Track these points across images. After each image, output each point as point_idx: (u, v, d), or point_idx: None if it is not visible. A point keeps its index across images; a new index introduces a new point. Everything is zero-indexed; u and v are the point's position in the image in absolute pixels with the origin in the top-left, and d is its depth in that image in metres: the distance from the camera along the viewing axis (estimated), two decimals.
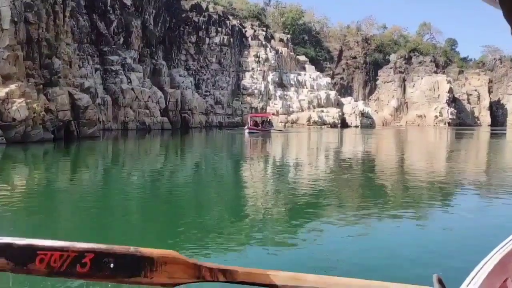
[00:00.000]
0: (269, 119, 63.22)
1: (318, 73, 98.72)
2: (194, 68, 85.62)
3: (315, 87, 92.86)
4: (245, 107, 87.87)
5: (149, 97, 62.41)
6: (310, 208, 9.92)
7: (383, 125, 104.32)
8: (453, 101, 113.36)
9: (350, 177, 15.09)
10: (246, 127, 53.55)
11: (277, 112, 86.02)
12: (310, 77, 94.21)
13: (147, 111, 61.48)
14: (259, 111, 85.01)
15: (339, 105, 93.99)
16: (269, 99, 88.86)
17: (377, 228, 8.87)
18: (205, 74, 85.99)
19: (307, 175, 15.47)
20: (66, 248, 1.47)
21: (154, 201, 9.75)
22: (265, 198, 10.59)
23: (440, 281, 1.70)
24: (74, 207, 9.66)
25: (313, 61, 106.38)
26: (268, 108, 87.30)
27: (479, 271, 2.12)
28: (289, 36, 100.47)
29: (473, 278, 2.08)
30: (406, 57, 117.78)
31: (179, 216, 8.97)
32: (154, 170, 16.21)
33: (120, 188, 12.13)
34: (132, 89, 59.72)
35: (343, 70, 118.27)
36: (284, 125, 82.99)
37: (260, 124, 57.59)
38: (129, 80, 60.97)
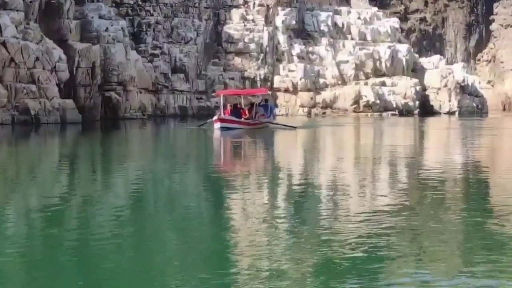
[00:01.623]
0: (265, 100, 41.02)
1: (376, 9, 76.75)
2: (129, 1, 61.17)
3: (369, 37, 71.07)
4: (231, 78, 63.03)
5: (37, 59, 41.33)
6: None
7: (504, 109, 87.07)
8: None
9: None
10: (215, 116, 35.71)
11: (295, 86, 63.92)
12: (359, 18, 72.43)
13: (33, 87, 41.02)
14: (258, 84, 62.55)
15: (417, 71, 72.40)
16: (278, 61, 66.30)
17: None
18: (151, 14, 61.29)
19: None
20: None
21: None
22: None
23: None
24: None
25: None
26: (277, 79, 64.68)
27: None
28: None
29: None
30: None
31: None
32: None
33: None
34: (3, 43, 39.74)
35: (425, 3, 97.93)
36: (309, 112, 63.60)
37: (246, 111, 37.23)
38: None
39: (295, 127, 36.70)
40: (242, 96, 40.91)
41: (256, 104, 36.70)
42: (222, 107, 36.63)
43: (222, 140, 28.58)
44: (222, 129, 32.34)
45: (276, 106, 51.61)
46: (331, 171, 15.71)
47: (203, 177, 14.74)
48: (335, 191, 11.85)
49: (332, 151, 23.36)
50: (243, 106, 37.46)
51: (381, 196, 11.33)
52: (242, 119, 34.92)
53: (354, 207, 10.07)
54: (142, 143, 28.74)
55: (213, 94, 51.46)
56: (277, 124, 37.10)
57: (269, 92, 42.85)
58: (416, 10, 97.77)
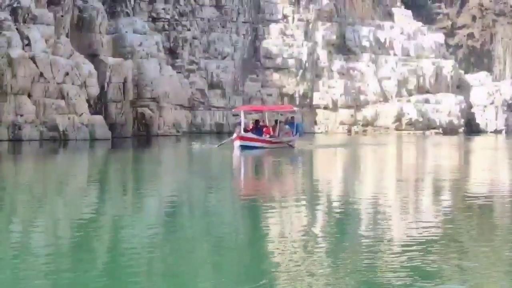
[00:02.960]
0: (291, 118, 39.53)
1: (420, 24, 76.47)
2: (166, 16, 60.20)
3: (412, 53, 71.35)
4: (269, 94, 63.09)
5: (67, 74, 40.77)
6: None
7: None
8: None
9: None
10: (235, 133, 33.70)
11: (335, 103, 65.11)
12: (402, 33, 72.71)
13: (62, 102, 40.48)
14: (297, 100, 63.29)
15: (462, 88, 73.08)
16: (318, 77, 66.28)
17: None
18: (188, 29, 61.16)
19: None
20: None
21: None
22: None
23: None
24: None
25: (409, 0, 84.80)
26: (316, 95, 65.16)
27: None
28: None
29: None
30: None
31: None
32: None
33: None
34: (32, 58, 38.77)
35: (473, 18, 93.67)
36: (349, 130, 64.84)
37: (269, 129, 35.14)
38: (26, 41, 39.59)
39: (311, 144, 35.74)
40: (266, 113, 39.59)
41: (279, 121, 35.43)
42: (242, 124, 34.93)
43: (240, 161, 27.67)
44: (242, 147, 31.03)
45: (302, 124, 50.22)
46: (372, 193, 15.31)
47: (238, 199, 14.32)
48: (376, 214, 11.76)
49: (373, 172, 22.60)
50: (266, 123, 36.07)
51: (424, 221, 11.11)
52: (265, 137, 33.43)
53: (397, 231, 10.05)
54: (164, 163, 27.41)
55: (232, 110, 50.29)
56: (294, 141, 35.62)
57: (295, 109, 41.83)
58: (464, 26, 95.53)
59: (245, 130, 33.32)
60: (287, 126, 35.54)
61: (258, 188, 17.20)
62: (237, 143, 31.31)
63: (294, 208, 12.67)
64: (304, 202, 13.67)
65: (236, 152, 30.05)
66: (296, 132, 35.73)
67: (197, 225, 10.74)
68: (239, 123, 34.71)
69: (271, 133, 33.71)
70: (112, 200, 13.58)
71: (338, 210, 12.23)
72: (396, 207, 12.65)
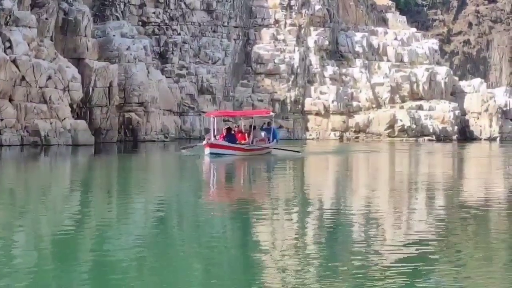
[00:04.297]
0: (267, 123, 38.06)
1: (414, 30, 76.99)
2: (156, 20, 60.66)
3: (406, 59, 71.17)
4: (260, 100, 62.82)
5: (49, 77, 40.33)
6: None
7: None
8: None
9: None
10: (205, 139, 32.93)
11: (327, 109, 64.95)
12: (396, 39, 72.56)
13: (44, 107, 40.21)
14: (288, 106, 63.90)
15: (456, 95, 73.17)
16: (310, 83, 66.36)
17: None
18: (178, 33, 61.55)
19: None
20: None
21: None
22: None
23: None
24: None
25: (405, 6, 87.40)
26: (308, 101, 64.89)
27: None
28: None
29: None
30: None
31: None
32: None
33: None
34: (14, 61, 38.65)
35: (469, 25, 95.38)
36: (341, 136, 64.53)
37: (245, 136, 33.48)
38: (8, 43, 39.43)
39: (299, 152, 34.73)
40: (242, 118, 37.98)
41: (254, 128, 33.87)
42: (212, 130, 33.77)
43: (210, 169, 26.90)
44: (212, 155, 29.70)
45: (280, 128, 49.74)
46: (364, 202, 15.26)
47: (231, 205, 14.23)
48: (368, 223, 11.83)
49: (365, 181, 22.19)
50: (242, 129, 34.37)
51: (417, 230, 11.19)
52: (238, 144, 31.93)
53: (389, 239, 10.13)
54: (146, 170, 26.87)
55: (203, 115, 48.43)
56: (280, 149, 34.61)
57: (272, 114, 40.32)
58: (460, 32, 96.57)
59: (217, 135, 32.17)
60: (263, 133, 34.17)
61: (258, 193, 16.57)
62: (207, 151, 30.20)
63: (286, 214, 12.46)
64: (298, 208, 13.50)
65: (206, 159, 29.22)
66: (273, 139, 34.41)
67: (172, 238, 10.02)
68: (215, 129, 33.84)
69: (247, 139, 32.37)
70: (86, 211, 12.94)
71: (329, 218, 12.06)
72: (387, 218, 12.40)
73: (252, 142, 32.05)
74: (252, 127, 33.15)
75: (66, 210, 12.99)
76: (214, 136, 31.80)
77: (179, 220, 12.05)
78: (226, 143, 30.75)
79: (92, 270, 7.57)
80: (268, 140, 33.57)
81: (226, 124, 37.37)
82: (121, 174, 23.19)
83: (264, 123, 36.67)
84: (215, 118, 35.02)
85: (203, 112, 57.99)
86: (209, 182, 20.88)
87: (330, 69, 64.63)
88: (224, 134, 32.07)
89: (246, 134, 32.58)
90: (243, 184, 20.28)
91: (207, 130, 49.76)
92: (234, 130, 33.04)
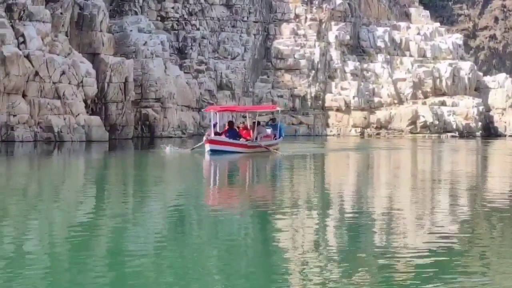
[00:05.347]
0: (272, 120, 39.03)
1: (437, 24, 75.25)
2: (175, 15, 60.10)
3: (429, 54, 70.55)
4: (280, 95, 62.53)
5: (63, 73, 39.90)
6: None
7: None
8: None
9: None
10: (205, 136, 31.06)
11: (348, 104, 64.30)
12: (419, 34, 71.77)
13: (58, 102, 39.65)
14: (309, 102, 63.33)
15: (480, 90, 72.02)
16: (331, 78, 65.78)
17: None
18: (197, 28, 60.78)
19: None
20: None
21: None
22: None
23: None
24: None
25: (429, 1, 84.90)
26: (329, 97, 64.81)
27: None
28: None
29: None
30: None
31: None
32: None
33: None
34: (27, 56, 38.08)
35: (495, 20, 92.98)
36: (362, 133, 63.80)
37: (250, 132, 31.92)
38: (21, 39, 38.95)
39: (281, 153, 32.93)
40: (241, 113, 36.79)
41: (257, 123, 32.58)
42: (212, 126, 32.32)
43: (210, 169, 25.97)
44: (212, 152, 28.49)
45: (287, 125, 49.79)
46: (385, 201, 15.23)
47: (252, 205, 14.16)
48: (389, 222, 11.89)
49: (387, 179, 21.97)
50: (248, 125, 33.19)
51: (441, 228, 11.25)
52: (240, 140, 30.67)
53: (412, 238, 10.18)
54: (155, 167, 26.64)
55: (203, 110, 48.01)
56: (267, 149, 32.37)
57: (278, 109, 39.17)
58: (486, 27, 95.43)
59: (218, 133, 31.04)
60: (269, 130, 33.03)
61: (278, 191, 16.60)
62: (207, 147, 28.95)
63: (306, 212, 12.58)
64: (318, 207, 13.55)
65: (206, 158, 28.28)
66: (279, 135, 33.18)
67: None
68: (215, 125, 32.67)
69: (251, 135, 31.04)
70: (94, 208, 12.91)
71: (351, 218, 12.08)
72: (410, 217, 12.35)
73: (256, 139, 31.06)
74: (256, 123, 32.15)
75: (80, 208, 12.99)
76: (217, 132, 30.93)
77: (197, 219, 11.96)
78: (227, 140, 29.93)
79: (108, 267, 7.65)
80: (274, 137, 32.69)
81: (245, 120, 36.47)
82: (132, 172, 23.23)
83: (269, 119, 35.77)
84: (217, 113, 34.05)
85: None
86: (223, 181, 20.67)
87: (351, 64, 64.49)
88: (226, 129, 31.27)
89: (251, 131, 31.68)
90: (258, 183, 20.05)
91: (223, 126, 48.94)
92: (238, 127, 32.14)
